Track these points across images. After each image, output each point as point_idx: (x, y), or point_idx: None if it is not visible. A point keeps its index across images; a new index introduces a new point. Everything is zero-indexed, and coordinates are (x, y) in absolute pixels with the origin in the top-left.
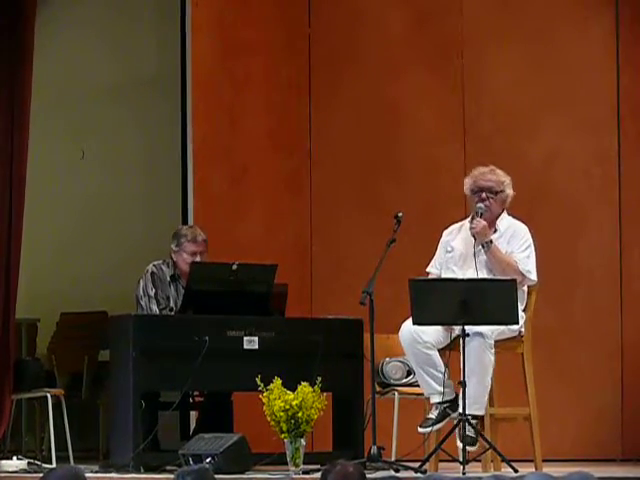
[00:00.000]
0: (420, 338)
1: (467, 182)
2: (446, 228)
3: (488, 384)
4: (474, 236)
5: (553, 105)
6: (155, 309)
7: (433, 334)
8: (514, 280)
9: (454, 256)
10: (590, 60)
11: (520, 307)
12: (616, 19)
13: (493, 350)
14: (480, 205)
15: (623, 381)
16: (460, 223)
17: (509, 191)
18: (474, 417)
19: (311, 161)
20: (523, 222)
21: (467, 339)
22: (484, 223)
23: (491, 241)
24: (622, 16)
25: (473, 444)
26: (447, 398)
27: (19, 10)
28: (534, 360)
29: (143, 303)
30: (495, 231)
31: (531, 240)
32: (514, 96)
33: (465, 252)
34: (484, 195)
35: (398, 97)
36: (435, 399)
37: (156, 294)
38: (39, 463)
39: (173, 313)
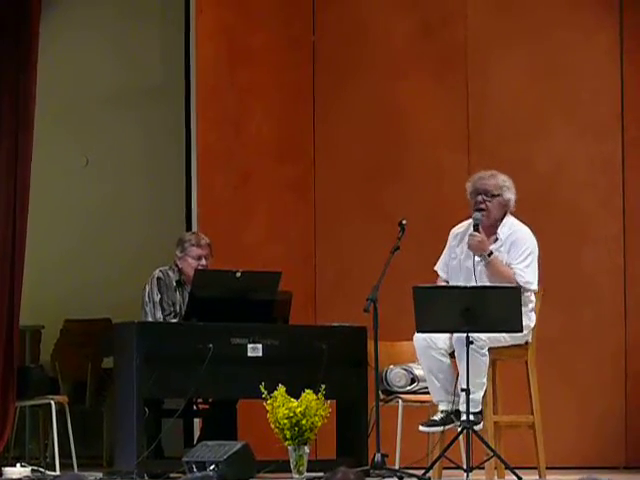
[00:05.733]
0: (434, 344)
1: (467, 186)
2: (454, 226)
3: (482, 381)
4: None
5: (557, 112)
6: (159, 316)
7: (447, 341)
8: (518, 288)
9: (456, 263)
10: (594, 67)
11: (530, 315)
12: (620, 25)
13: (485, 352)
14: (476, 215)
15: (627, 389)
16: (466, 223)
17: (509, 195)
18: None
19: (315, 168)
20: (527, 225)
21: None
22: (480, 237)
23: (491, 253)
24: (626, 22)
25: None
26: (456, 407)
27: (23, 16)
28: (538, 367)
29: (148, 310)
30: (496, 240)
31: (533, 246)
32: (518, 103)
33: (465, 262)
34: (480, 198)
35: (402, 104)
36: (443, 406)
37: (161, 300)
38: (43, 470)
39: (178, 318)
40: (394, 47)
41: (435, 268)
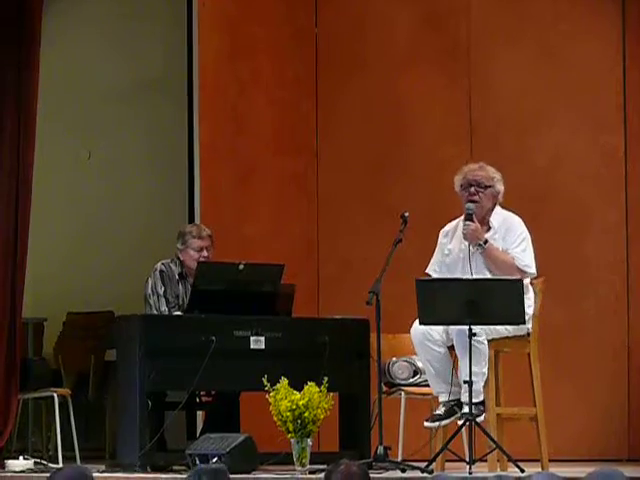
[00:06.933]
0: (431, 336)
1: (457, 179)
2: (442, 228)
3: (482, 371)
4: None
5: (559, 105)
6: (164, 308)
7: (443, 332)
8: (520, 279)
9: (451, 259)
10: (596, 59)
11: (530, 305)
12: (622, 18)
13: (483, 341)
14: (469, 205)
15: (630, 381)
16: (455, 222)
17: (500, 187)
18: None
19: (318, 161)
20: (517, 214)
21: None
22: (474, 226)
23: (486, 241)
24: (628, 15)
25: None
26: (455, 397)
27: (25, 12)
28: (540, 359)
29: (152, 302)
30: (489, 229)
31: (526, 232)
32: (521, 96)
33: (460, 255)
34: (473, 190)
35: (405, 97)
36: (443, 397)
37: (165, 292)
38: (45, 463)
39: (180, 311)
40: (397, 39)
41: (427, 271)
